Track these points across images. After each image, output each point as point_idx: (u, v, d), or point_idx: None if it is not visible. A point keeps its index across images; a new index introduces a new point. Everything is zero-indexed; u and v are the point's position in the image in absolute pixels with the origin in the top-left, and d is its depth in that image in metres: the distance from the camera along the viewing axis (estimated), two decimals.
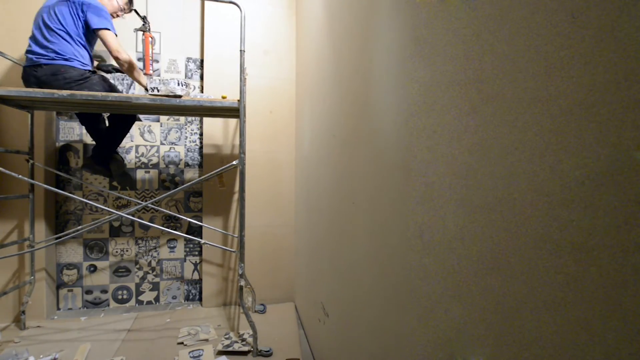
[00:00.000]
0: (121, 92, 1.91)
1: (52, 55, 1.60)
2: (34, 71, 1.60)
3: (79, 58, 1.67)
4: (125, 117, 1.89)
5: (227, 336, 1.82)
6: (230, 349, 1.69)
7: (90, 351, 1.65)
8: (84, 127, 2.00)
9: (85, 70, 1.69)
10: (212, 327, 1.93)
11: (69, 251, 2.17)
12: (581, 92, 0.35)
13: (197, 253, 2.33)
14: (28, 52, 1.62)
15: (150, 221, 2.24)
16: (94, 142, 2.08)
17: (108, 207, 1.87)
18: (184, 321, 2.02)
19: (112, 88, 1.75)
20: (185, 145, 2.30)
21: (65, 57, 1.63)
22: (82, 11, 1.63)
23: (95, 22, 1.63)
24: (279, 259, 2.35)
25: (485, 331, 0.48)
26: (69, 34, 1.63)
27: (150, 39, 1.76)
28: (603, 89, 0.33)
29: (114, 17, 1.80)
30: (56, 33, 1.61)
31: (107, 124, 1.93)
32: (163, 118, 2.27)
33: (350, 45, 1.10)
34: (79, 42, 1.67)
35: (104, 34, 1.63)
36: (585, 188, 0.35)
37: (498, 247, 0.46)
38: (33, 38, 1.63)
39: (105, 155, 1.89)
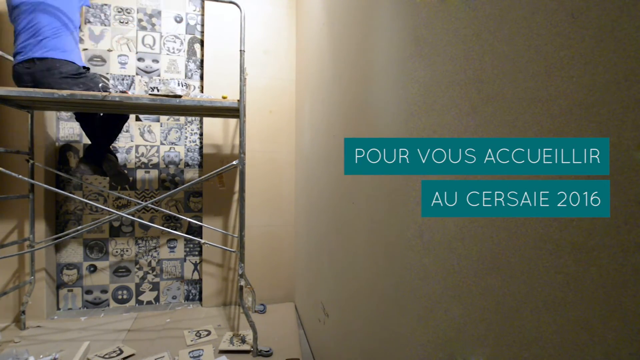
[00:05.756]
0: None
1: (46, 48, 1.57)
2: (27, 68, 1.56)
3: (75, 53, 1.67)
4: (120, 114, 1.88)
5: (227, 336, 1.82)
6: (230, 348, 1.69)
7: (90, 351, 1.65)
8: (79, 124, 1.97)
9: (80, 66, 1.68)
10: (212, 327, 1.93)
11: (69, 251, 2.17)
12: (581, 92, 0.35)
13: (197, 253, 2.33)
14: (19, 47, 1.58)
15: (150, 221, 2.24)
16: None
17: (108, 207, 1.87)
18: (184, 321, 2.01)
19: (108, 85, 1.74)
20: (185, 145, 2.30)
21: (60, 50, 1.60)
22: None
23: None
24: (279, 259, 2.35)
25: (485, 331, 0.48)
26: (66, 26, 1.62)
27: None
28: (603, 89, 0.33)
29: None
30: (51, 26, 1.58)
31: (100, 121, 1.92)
32: (163, 118, 2.27)
33: (350, 45, 1.10)
34: (76, 36, 1.67)
35: None
36: None
37: (498, 247, 0.46)
38: (22, 26, 1.58)
39: (98, 154, 1.87)
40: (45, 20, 1.59)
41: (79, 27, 1.73)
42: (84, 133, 2.14)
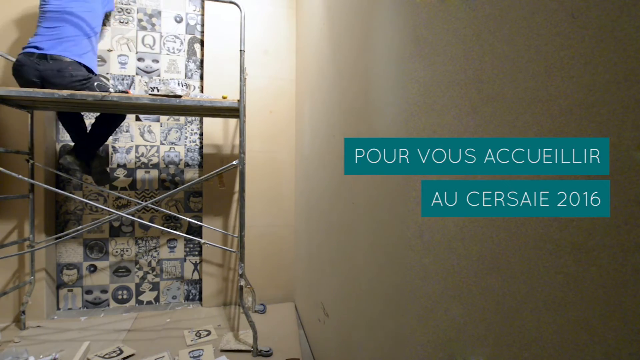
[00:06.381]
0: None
1: (63, 50, 1.57)
2: (37, 64, 1.53)
3: (89, 58, 1.67)
4: (115, 116, 1.88)
5: (227, 336, 1.82)
6: (230, 348, 1.69)
7: (90, 351, 1.65)
8: (61, 124, 1.92)
9: (90, 73, 1.68)
10: (212, 327, 1.93)
11: (69, 251, 2.17)
12: (581, 92, 0.35)
13: (197, 253, 2.33)
14: (34, 41, 1.56)
15: (150, 221, 2.24)
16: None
17: (108, 207, 1.87)
18: (184, 321, 2.01)
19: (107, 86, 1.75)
20: (185, 145, 2.30)
21: (76, 54, 1.61)
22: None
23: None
24: (279, 259, 2.35)
25: (485, 331, 0.48)
26: (86, 34, 1.63)
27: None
28: (603, 89, 0.33)
29: None
30: (75, 26, 1.59)
31: (89, 122, 1.91)
32: (163, 118, 2.27)
33: (350, 45, 1.10)
34: (93, 41, 1.68)
35: None
36: None
37: (498, 247, 0.46)
38: (44, 26, 1.58)
39: (90, 151, 1.86)
40: (68, 29, 1.60)
41: (99, 33, 1.74)
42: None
